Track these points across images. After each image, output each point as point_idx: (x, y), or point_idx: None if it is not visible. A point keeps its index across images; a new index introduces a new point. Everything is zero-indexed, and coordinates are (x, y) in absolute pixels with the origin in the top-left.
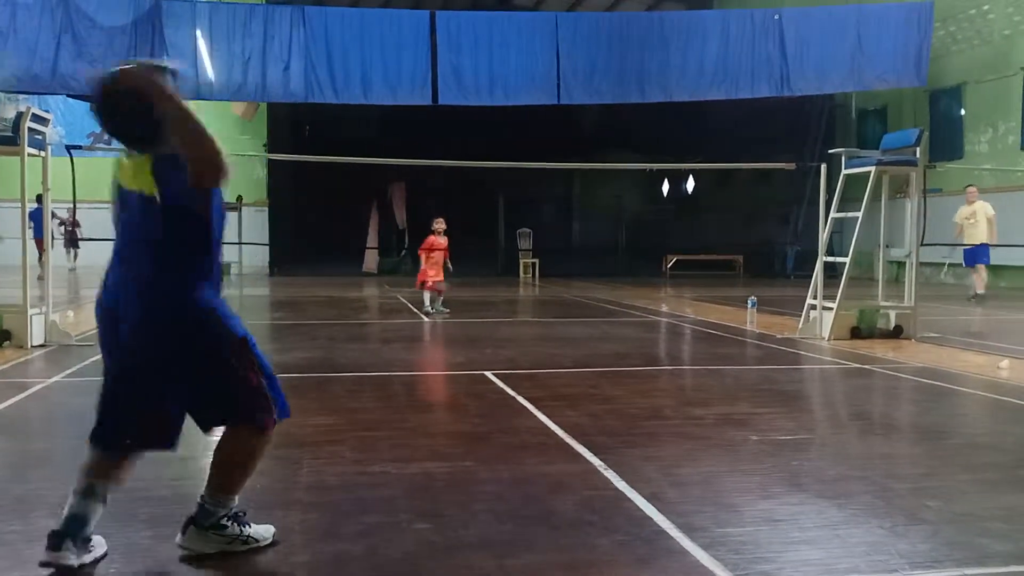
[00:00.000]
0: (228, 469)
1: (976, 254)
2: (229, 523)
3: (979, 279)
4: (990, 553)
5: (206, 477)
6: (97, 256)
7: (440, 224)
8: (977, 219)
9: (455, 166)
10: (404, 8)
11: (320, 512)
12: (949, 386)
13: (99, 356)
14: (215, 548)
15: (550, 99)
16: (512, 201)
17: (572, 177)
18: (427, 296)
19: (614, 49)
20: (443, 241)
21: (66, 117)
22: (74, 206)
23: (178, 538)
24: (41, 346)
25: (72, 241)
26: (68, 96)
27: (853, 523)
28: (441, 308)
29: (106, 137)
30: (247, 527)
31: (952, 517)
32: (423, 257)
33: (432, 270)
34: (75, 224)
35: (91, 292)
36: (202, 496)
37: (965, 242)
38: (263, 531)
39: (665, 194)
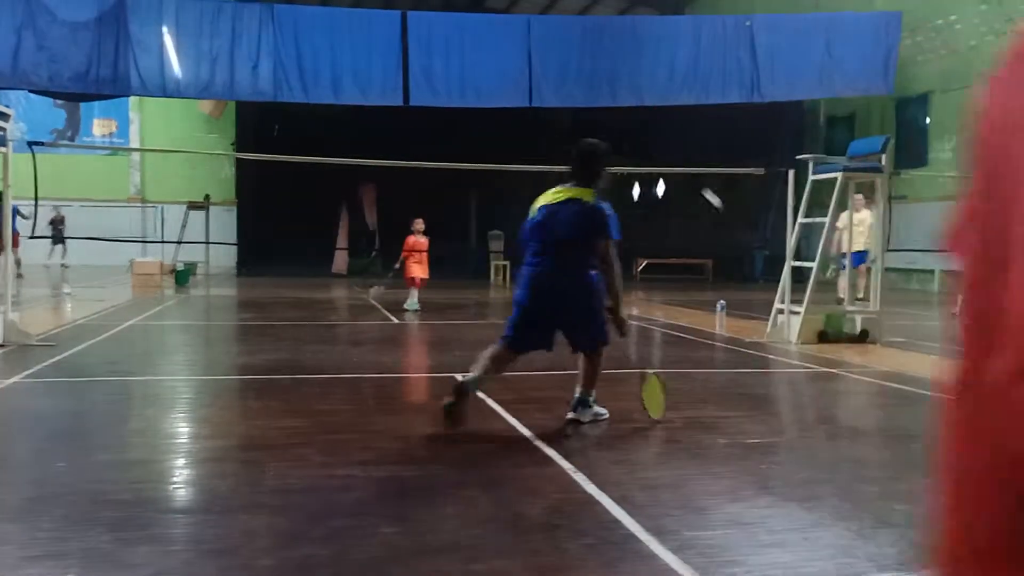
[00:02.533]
0: None
1: (861, 258)
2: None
3: (843, 285)
4: None
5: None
6: (58, 253)
7: (419, 224)
8: (865, 227)
9: (426, 167)
10: (375, 8)
11: (286, 515)
12: (915, 390)
13: (58, 357)
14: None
15: (522, 101)
16: (483, 203)
17: (544, 180)
18: (414, 294)
19: (586, 53)
20: (424, 241)
21: (28, 113)
22: (36, 203)
23: (569, 414)
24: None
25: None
26: (30, 92)
27: (821, 526)
28: (415, 307)
29: (69, 133)
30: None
31: (919, 520)
32: (405, 258)
33: (416, 270)
34: (60, 221)
35: (46, 291)
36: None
37: (847, 248)
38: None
39: (636, 198)
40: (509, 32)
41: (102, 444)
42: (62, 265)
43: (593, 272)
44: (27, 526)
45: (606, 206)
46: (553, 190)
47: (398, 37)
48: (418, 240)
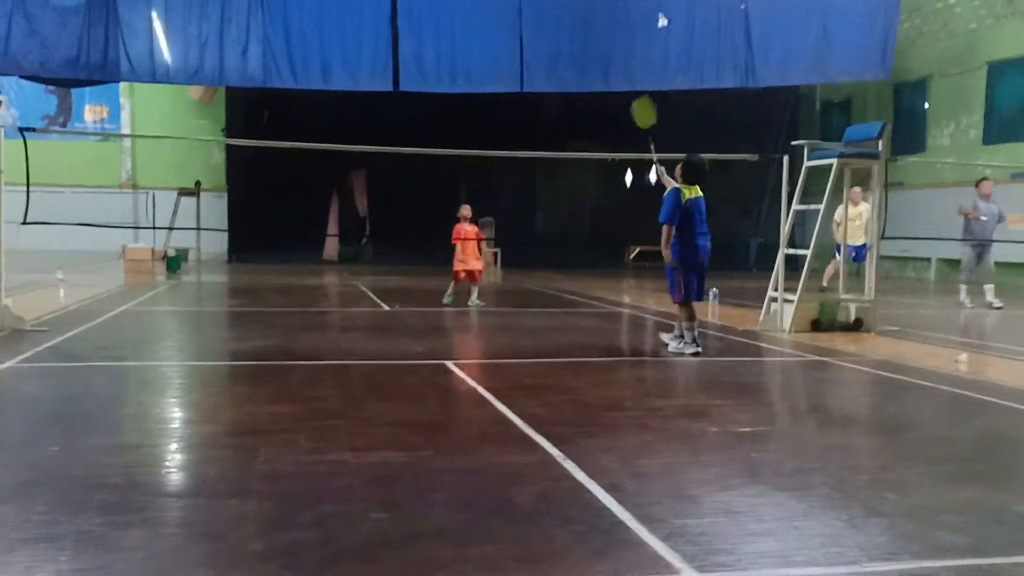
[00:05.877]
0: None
1: (861, 252)
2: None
3: (831, 272)
4: (946, 546)
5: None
6: (51, 239)
7: (465, 210)
8: (863, 220)
9: (416, 153)
10: None
11: (275, 501)
12: (907, 379)
13: (52, 342)
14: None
15: (513, 87)
16: (474, 190)
17: (535, 166)
18: (452, 287)
19: (578, 36)
20: (471, 228)
21: (20, 98)
22: (28, 189)
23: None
24: None
25: None
26: (21, 77)
27: (811, 515)
28: (476, 301)
29: (61, 119)
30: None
31: (909, 510)
32: (457, 246)
33: (462, 260)
34: None
35: (39, 277)
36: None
37: (848, 241)
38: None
39: (628, 184)
40: (500, 15)
41: (95, 428)
42: None
43: None
44: (20, 509)
45: None
46: (689, 186)
47: (387, 21)
48: (462, 227)
